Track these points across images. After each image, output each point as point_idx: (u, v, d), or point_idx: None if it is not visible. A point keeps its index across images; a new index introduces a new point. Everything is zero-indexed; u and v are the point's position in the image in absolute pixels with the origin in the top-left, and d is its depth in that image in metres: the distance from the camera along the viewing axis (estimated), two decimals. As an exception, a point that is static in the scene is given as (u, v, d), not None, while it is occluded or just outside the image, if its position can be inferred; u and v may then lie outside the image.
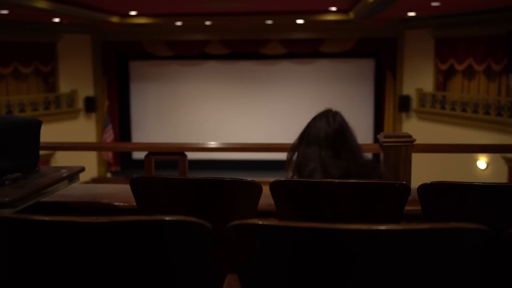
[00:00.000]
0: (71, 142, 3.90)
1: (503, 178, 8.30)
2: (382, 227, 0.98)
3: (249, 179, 1.82)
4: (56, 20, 9.73)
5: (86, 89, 11.37)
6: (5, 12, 8.13)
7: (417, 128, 10.21)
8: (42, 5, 7.60)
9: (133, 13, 10.02)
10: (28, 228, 1.10)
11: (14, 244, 1.13)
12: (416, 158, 3.18)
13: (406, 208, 1.81)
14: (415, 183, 2.28)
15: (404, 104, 10.84)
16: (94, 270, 1.12)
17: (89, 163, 11.03)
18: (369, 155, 2.71)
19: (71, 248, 1.10)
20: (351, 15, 9.53)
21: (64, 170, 2.31)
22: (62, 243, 1.09)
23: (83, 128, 11.40)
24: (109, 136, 11.35)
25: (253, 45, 11.29)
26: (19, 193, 1.93)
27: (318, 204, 1.81)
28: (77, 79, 11.19)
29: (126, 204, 2.76)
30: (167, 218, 1.05)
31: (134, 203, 1.94)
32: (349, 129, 2.21)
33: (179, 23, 10.72)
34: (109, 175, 11.90)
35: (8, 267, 1.16)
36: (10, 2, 7.14)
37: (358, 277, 1.04)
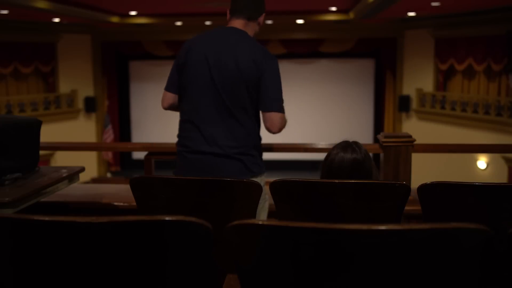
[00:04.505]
0: (71, 142, 3.89)
1: (503, 178, 8.30)
2: (382, 227, 0.98)
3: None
4: (56, 20, 9.73)
5: (86, 89, 11.36)
6: (5, 12, 8.12)
7: (417, 128, 10.21)
8: (42, 5, 7.60)
9: (133, 13, 10.01)
10: (28, 228, 1.10)
11: (14, 244, 1.13)
12: (416, 158, 3.18)
13: (406, 208, 1.81)
14: (415, 183, 2.28)
15: (404, 104, 10.84)
16: (94, 270, 1.12)
17: (89, 163, 11.02)
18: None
19: (71, 248, 1.10)
20: (351, 15, 9.53)
21: (64, 170, 2.31)
22: (62, 243, 1.09)
23: (83, 128, 11.40)
24: (109, 136, 11.35)
25: (253, 45, 11.27)
26: (19, 193, 1.93)
27: (318, 204, 1.81)
28: (77, 79, 11.19)
29: (126, 204, 2.76)
30: (167, 218, 1.05)
31: (134, 203, 1.93)
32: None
33: (179, 23, 10.72)
34: (109, 175, 11.89)
35: (8, 267, 1.16)
36: (10, 2, 7.13)
37: (358, 277, 1.04)
